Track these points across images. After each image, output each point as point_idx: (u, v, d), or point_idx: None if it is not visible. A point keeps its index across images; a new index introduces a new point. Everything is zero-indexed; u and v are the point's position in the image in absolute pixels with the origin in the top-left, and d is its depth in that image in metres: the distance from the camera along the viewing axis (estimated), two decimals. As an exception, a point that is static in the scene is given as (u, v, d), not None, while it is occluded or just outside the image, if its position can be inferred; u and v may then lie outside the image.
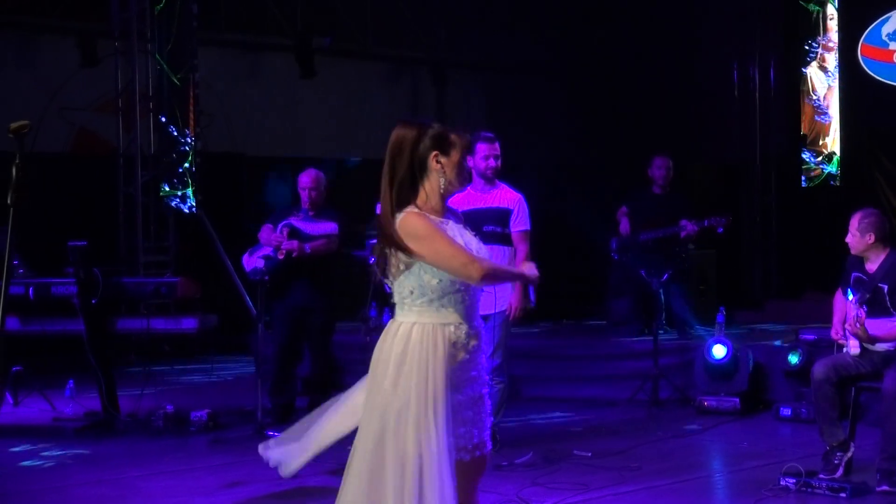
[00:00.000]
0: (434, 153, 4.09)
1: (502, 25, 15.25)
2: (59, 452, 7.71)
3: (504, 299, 7.12)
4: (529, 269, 4.39)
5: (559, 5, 15.07)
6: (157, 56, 12.12)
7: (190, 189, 11.80)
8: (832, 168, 13.89)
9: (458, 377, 4.03)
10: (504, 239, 7.34)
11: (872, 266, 6.71)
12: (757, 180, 13.75)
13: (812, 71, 14.14)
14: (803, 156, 14.05)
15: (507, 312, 7.29)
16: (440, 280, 3.96)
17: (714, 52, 14.19)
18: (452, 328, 4.01)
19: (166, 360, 11.38)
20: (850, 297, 6.69)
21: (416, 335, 3.94)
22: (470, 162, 7.29)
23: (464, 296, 4.06)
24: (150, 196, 12.12)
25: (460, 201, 7.35)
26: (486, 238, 7.07)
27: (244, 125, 13.71)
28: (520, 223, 7.43)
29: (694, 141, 13.98)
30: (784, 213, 13.70)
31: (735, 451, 7.64)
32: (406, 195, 4.10)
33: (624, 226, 10.22)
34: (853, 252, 6.77)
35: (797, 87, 14.18)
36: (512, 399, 9.73)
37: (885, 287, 6.60)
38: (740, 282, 13.00)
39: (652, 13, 14.28)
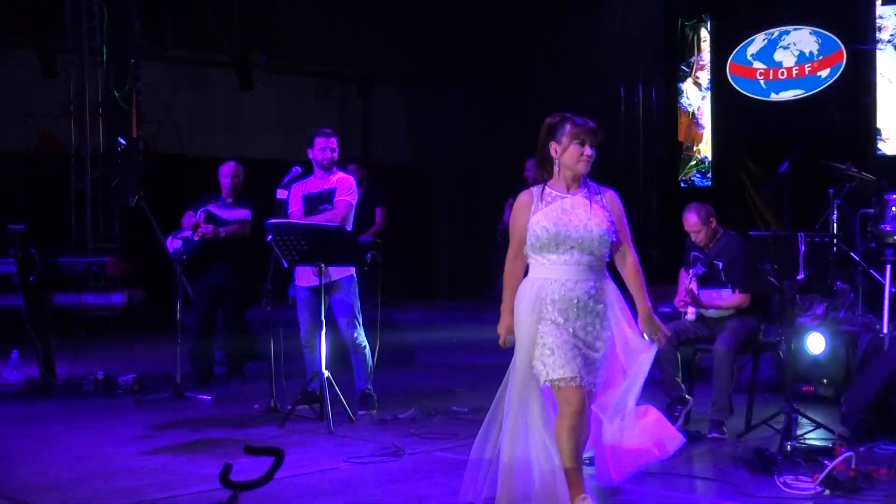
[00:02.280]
0: (551, 142, 4.45)
1: (421, 44, 15.26)
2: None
3: (339, 271, 7.11)
4: (505, 329, 4.65)
5: (473, 27, 15.10)
6: (102, 68, 12.11)
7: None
8: (707, 168, 14.07)
9: None
10: None
11: (706, 246, 6.83)
12: (640, 181, 13.83)
13: (688, 86, 14.32)
14: (682, 162, 14.28)
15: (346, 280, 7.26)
16: None
17: (606, 69, 14.25)
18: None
19: (112, 334, 11.34)
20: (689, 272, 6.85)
21: None
22: (310, 154, 7.38)
23: None
24: (98, 191, 12.05)
25: (304, 186, 7.40)
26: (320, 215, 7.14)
27: (190, 131, 13.72)
28: (340, 195, 7.29)
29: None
30: (663, 211, 13.80)
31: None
32: (542, 175, 4.58)
33: (507, 214, 10.24)
34: (703, 240, 6.85)
35: (675, 100, 14.34)
36: (407, 364, 9.81)
37: (720, 264, 6.71)
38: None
39: (553, 36, 14.35)
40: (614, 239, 4.50)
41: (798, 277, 5.98)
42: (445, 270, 12.93)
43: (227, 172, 8.44)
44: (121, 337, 11.46)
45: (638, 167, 13.83)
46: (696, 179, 14.21)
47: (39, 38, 12.52)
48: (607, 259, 4.60)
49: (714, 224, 6.82)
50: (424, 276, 13.32)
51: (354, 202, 7.45)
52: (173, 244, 8.13)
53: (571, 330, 4.39)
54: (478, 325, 10.35)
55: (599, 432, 4.63)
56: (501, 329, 4.69)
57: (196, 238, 8.06)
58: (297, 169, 7.33)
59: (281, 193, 7.19)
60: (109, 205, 12.05)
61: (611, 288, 4.58)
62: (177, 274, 8.02)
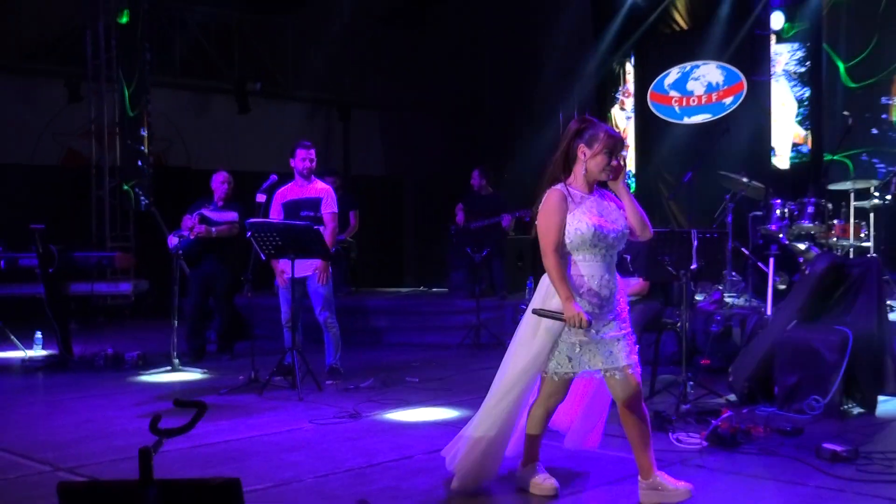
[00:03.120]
0: (579, 142, 4.05)
1: (392, 76, 15.28)
2: (17, 384, 7.59)
3: (311, 265, 7.09)
4: (569, 310, 3.96)
5: (436, 62, 15.08)
6: (118, 94, 12.03)
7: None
8: (629, 183, 14.08)
9: None
10: (317, 220, 7.21)
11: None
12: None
13: (616, 111, 14.35)
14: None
15: (318, 272, 7.20)
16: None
17: (548, 98, 14.23)
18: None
19: (121, 318, 11.26)
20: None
21: None
22: (292, 163, 7.33)
23: None
24: (115, 198, 11.98)
25: (286, 193, 7.37)
26: (303, 220, 7.09)
27: (196, 147, 13.62)
28: (328, 207, 7.33)
29: (532, 163, 13.99)
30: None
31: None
32: (557, 174, 4.14)
33: (459, 217, 10.23)
34: None
35: (605, 123, 14.34)
36: (375, 344, 9.76)
37: (628, 257, 6.65)
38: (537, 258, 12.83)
39: (504, 69, 14.35)
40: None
41: (692, 267, 5.99)
42: (412, 264, 12.91)
43: (219, 181, 8.40)
44: (128, 320, 11.37)
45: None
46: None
47: (66, 69, 12.45)
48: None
49: (623, 224, 6.82)
50: (394, 269, 13.30)
51: (337, 210, 7.50)
52: (172, 242, 8.06)
53: (595, 329, 4.03)
54: (436, 309, 10.36)
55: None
56: (570, 313, 3.97)
57: (191, 237, 8.02)
58: (273, 177, 7.31)
59: (260, 197, 7.16)
60: (124, 209, 11.93)
61: (619, 280, 4.30)
62: (174, 266, 7.93)
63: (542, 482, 4.23)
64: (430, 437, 5.58)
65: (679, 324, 6.35)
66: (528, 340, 4.19)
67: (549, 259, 4.06)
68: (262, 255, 6.82)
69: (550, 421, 4.47)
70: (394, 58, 15.35)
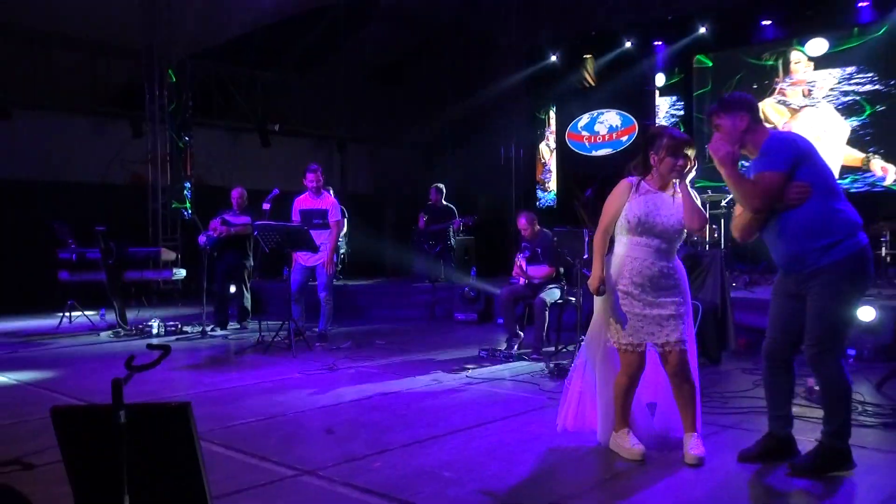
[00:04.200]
0: (650, 150, 3.65)
1: (377, 119, 15.21)
2: (84, 346, 7.45)
3: (323, 256, 7.01)
4: (598, 281, 3.71)
5: (409, 109, 15.03)
6: (168, 132, 11.81)
7: (188, 205, 11.58)
8: (552, 198, 14.10)
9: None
10: (325, 226, 7.11)
11: (531, 240, 6.80)
12: (511, 203, 13.77)
13: (543, 147, 14.35)
14: (538, 193, 14.29)
15: (324, 263, 7.09)
16: None
17: (493, 136, 14.22)
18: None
19: (166, 298, 11.15)
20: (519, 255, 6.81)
21: None
22: (305, 181, 7.20)
23: None
24: (167, 210, 11.81)
25: (302, 202, 7.28)
26: (316, 227, 7.01)
27: (228, 172, 13.40)
28: (333, 216, 7.22)
29: (484, 186, 13.96)
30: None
31: (463, 341, 7.50)
32: (640, 171, 3.70)
33: (421, 223, 10.17)
34: (529, 235, 6.81)
35: (534, 155, 14.35)
36: (357, 317, 9.67)
37: (539, 250, 6.67)
38: (489, 255, 12.64)
39: (462, 115, 14.27)
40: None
41: (584, 257, 5.97)
42: (390, 258, 12.80)
43: (236, 194, 8.29)
44: (171, 299, 11.21)
45: (511, 194, 13.76)
46: (547, 202, 14.21)
47: (131, 112, 12.27)
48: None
49: (536, 225, 6.79)
50: (377, 262, 13.19)
51: (340, 218, 7.39)
52: (202, 240, 7.96)
53: (642, 301, 3.62)
54: (403, 291, 10.30)
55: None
56: (594, 281, 3.74)
57: (216, 236, 7.90)
58: (276, 190, 7.24)
59: (265, 205, 7.09)
60: (173, 218, 11.77)
61: (681, 268, 3.74)
62: (203, 258, 7.82)
63: (632, 447, 3.65)
64: (387, 381, 5.56)
65: (575, 300, 6.32)
66: (595, 315, 3.87)
67: (597, 235, 3.78)
68: (265, 248, 6.73)
69: (651, 394, 3.97)
70: (378, 106, 15.25)
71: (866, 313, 5.68)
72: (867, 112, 10.74)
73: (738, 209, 3.64)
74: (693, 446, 3.59)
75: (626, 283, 3.64)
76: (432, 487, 3.31)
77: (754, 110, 3.56)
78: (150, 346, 2.44)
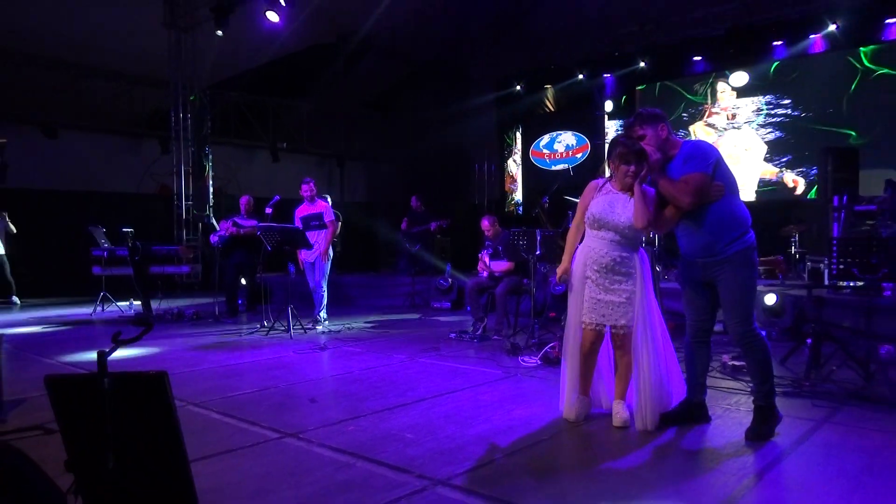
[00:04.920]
0: (609, 158, 3.55)
1: (371, 139, 15.14)
2: (112, 331, 7.29)
3: (318, 251, 6.93)
4: (562, 271, 3.66)
5: (400, 132, 14.98)
6: (191, 149, 11.68)
7: (210, 211, 11.45)
8: (520, 206, 14.05)
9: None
10: (321, 227, 7.03)
11: (494, 238, 6.74)
12: (484, 211, 13.68)
13: (511, 163, 14.31)
14: (506, 201, 14.23)
15: (321, 255, 7.01)
16: None
17: (467, 154, 14.20)
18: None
19: (184, 289, 10.98)
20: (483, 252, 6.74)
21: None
22: (301, 192, 7.09)
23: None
24: (189, 214, 11.65)
25: (301, 211, 7.18)
26: (314, 228, 6.92)
27: (245, 182, 13.29)
28: (327, 217, 7.12)
29: (459, 195, 13.94)
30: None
31: (437, 325, 7.45)
32: (611, 175, 3.54)
33: (404, 225, 10.10)
34: (492, 235, 6.75)
35: (503, 170, 14.31)
36: (349, 305, 9.57)
37: (500, 247, 6.62)
38: (464, 253, 12.64)
39: (440, 139, 14.16)
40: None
41: (537, 252, 5.92)
42: (380, 256, 12.75)
43: (245, 201, 8.21)
44: (189, 290, 11.06)
45: (483, 204, 13.74)
46: (515, 210, 14.17)
47: (160, 132, 12.17)
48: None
49: (497, 226, 6.73)
50: (371, 259, 13.16)
51: (333, 217, 7.27)
52: (213, 239, 7.86)
53: (600, 286, 3.51)
54: (389, 283, 10.22)
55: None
56: (560, 270, 3.71)
57: (227, 235, 7.80)
58: (277, 197, 7.14)
59: (268, 210, 6.99)
60: (195, 222, 11.63)
61: (639, 259, 3.56)
62: (215, 255, 7.72)
63: (569, 407, 3.62)
64: (368, 359, 5.47)
65: (531, 289, 6.27)
66: (570, 301, 3.69)
67: (570, 230, 3.70)
68: (268, 247, 6.64)
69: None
70: (372, 128, 15.23)
71: (769, 298, 5.66)
72: (781, 133, 10.78)
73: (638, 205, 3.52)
74: (620, 411, 3.55)
75: (589, 270, 3.57)
76: (395, 447, 3.24)
77: (669, 122, 3.55)
78: (132, 322, 2.35)
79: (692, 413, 3.58)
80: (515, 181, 14.21)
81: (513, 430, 3.53)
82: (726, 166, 3.43)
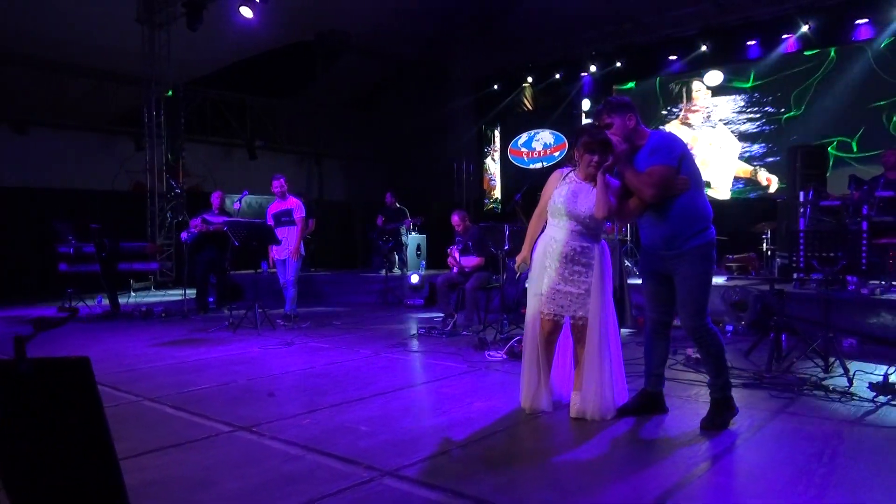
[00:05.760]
0: (575, 147, 3.49)
1: (349, 138, 15.05)
2: (78, 328, 7.15)
3: (288, 249, 6.87)
4: (521, 260, 3.70)
5: (378, 131, 14.93)
6: (164, 146, 11.52)
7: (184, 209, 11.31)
8: (498, 204, 14.03)
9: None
10: (291, 223, 6.97)
11: (463, 234, 6.71)
12: (463, 207, 13.63)
13: (489, 161, 14.29)
14: (485, 199, 14.19)
15: (292, 254, 6.95)
16: None
17: (446, 153, 14.15)
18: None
19: (168, 287, 10.82)
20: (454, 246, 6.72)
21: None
22: (272, 189, 7.03)
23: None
24: (163, 212, 11.49)
25: (273, 208, 7.12)
26: (285, 224, 6.85)
27: (221, 180, 13.10)
28: (298, 213, 7.06)
29: (439, 194, 13.88)
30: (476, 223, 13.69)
31: (407, 322, 7.37)
32: (574, 164, 3.51)
33: (379, 221, 10.04)
34: (462, 230, 6.72)
35: (482, 169, 14.29)
36: (321, 302, 9.49)
37: (470, 242, 6.59)
38: (441, 251, 12.53)
39: (420, 138, 14.21)
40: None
41: (505, 247, 5.89)
42: (358, 253, 12.66)
43: (215, 198, 8.13)
44: (162, 288, 10.91)
45: (464, 201, 13.67)
46: (494, 208, 14.15)
47: (134, 129, 11.96)
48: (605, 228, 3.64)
49: (467, 221, 6.70)
50: (349, 256, 13.06)
51: (305, 214, 7.21)
52: (183, 236, 7.75)
53: (559, 276, 3.47)
54: (362, 279, 10.14)
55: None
56: (519, 259, 3.72)
57: (196, 232, 7.71)
58: (245, 192, 7.06)
59: (236, 205, 6.91)
60: (168, 220, 11.48)
61: (599, 250, 3.52)
62: (185, 252, 7.61)
63: (526, 397, 3.60)
64: (333, 354, 5.42)
65: (500, 284, 6.25)
66: (529, 293, 3.64)
67: (532, 218, 3.63)
68: (235, 242, 6.56)
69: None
70: (350, 128, 15.12)
71: (732, 293, 5.68)
72: (755, 132, 10.85)
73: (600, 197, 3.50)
74: (578, 402, 3.52)
75: (549, 260, 3.51)
76: (348, 439, 3.19)
77: (638, 112, 3.50)
78: (60, 309, 2.29)
79: (650, 404, 3.57)
80: (494, 179, 14.19)
81: (470, 421, 3.49)
82: (692, 160, 3.40)
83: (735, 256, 9.08)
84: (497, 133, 14.07)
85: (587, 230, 3.49)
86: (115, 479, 2.00)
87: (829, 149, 9.50)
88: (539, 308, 3.57)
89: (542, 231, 3.63)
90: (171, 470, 2.85)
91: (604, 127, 3.42)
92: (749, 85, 10.89)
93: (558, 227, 3.52)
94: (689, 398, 3.89)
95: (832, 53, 10.08)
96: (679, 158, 3.30)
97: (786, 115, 10.52)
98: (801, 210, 5.97)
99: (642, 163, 3.38)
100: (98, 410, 2.00)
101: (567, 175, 3.56)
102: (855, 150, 9.72)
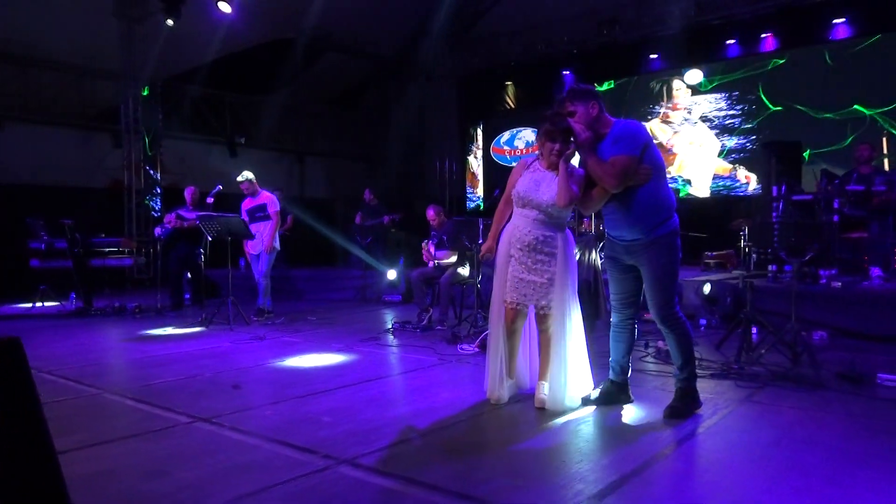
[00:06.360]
0: (538, 140, 3.45)
1: (331, 136, 14.98)
2: (50, 324, 7.05)
3: (262, 243, 6.81)
4: (486, 249, 3.71)
5: (360, 129, 14.87)
6: (142, 143, 11.39)
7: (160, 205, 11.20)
8: (480, 201, 14.00)
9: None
10: (265, 218, 6.93)
11: (439, 228, 6.67)
12: (446, 205, 13.53)
13: (472, 159, 14.27)
14: (468, 196, 14.18)
15: (266, 250, 6.90)
16: None
17: (429, 151, 14.14)
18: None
19: (146, 285, 10.68)
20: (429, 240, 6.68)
21: None
22: (243, 188, 6.95)
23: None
24: (140, 208, 11.36)
25: (246, 204, 7.06)
26: (259, 219, 6.80)
27: (201, 177, 12.91)
28: (271, 208, 7.01)
29: (421, 192, 13.84)
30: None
31: (383, 317, 7.30)
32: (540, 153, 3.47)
33: (357, 219, 9.97)
34: (437, 224, 6.68)
35: (464, 167, 14.27)
36: (299, 299, 9.41)
37: (445, 237, 6.55)
38: (418, 247, 12.48)
39: (402, 136, 14.13)
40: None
41: (479, 242, 5.86)
42: (338, 250, 12.53)
43: (189, 192, 8.03)
44: (139, 285, 10.75)
45: (446, 198, 13.63)
46: (477, 204, 14.11)
47: (112, 126, 11.80)
48: (569, 218, 3.62)
49: (442, 215, 6.67)
50: (329, 252, 12.93)
51: (279, 209, 7.13)
52: (157, 231, 7.66)
53: (523, 264, 3.46)
54: (340, 276, 10.06)
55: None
56: (484, 248, 3.74)
57: (170, 227, 7.61)
58: (218, 186, 6.99)
59: (209, 199, 6.85)
60: (146, 215, 11.35)
61: (562, 239, 3.48)
62: (157, 248, 7.51)
63: (491, 388, 3.57)
64: (304, 348, 5.37)
65: (475, 279, 6.22)
66: (495, 282, 3.61)
67: (498, 206, 3.62)
68: (208, 237, 6.49)
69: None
70: (332, 126, 15.03)
71: (706, 287, 5.70)
72: (735, 130, 10.92)
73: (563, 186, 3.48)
74: (542, 392, 3.50)
75: (513, 249, 3.48)
76: (308, 430, 3.16)
77: (602, 100, 3.46)
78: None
79: (615, 394, 3.56)
80: (477, 177, 14.18)
81: (434, 412, 3.46)
82: (656, 149, 3.37)
83: (714, 254, 9.12)
84: (479, 131, 14.06)
85: (550, 219, 3.47)
86: (49, 468, 1.95)
87: (805, 153, 9.58)
88: (503, 297, 3.54)
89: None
90: (122, 460, 2.80)
91: (567, 115, 3.40)
92: (729, 83, 10.95)
93: (522, 216, 3.50)
94: (656, 388, 3.89)
95: (811, 52, 10.15)
96: (642, 148, 3.27)
97: (765, 113, 10.58)
98: (774, 205, 6.00)
99: (606, 151, 3.36)
100: (31, 395, 1.94)
101: (531, 164, 3.55)
102: (830, 146, 9.80)
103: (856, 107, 9.59)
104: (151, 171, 10.58)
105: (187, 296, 8.08)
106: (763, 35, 10.49)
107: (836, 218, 5.73)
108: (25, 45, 10.76)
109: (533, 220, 3.46)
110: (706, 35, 10.91)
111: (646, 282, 3.34)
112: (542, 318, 3.52)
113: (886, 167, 8.70)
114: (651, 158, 3.30)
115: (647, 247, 3.30)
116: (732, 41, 10.84)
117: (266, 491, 2.42)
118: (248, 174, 7.06)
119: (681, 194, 11.30)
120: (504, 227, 3.64)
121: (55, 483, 1.95)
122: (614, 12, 11.54)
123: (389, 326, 6.30)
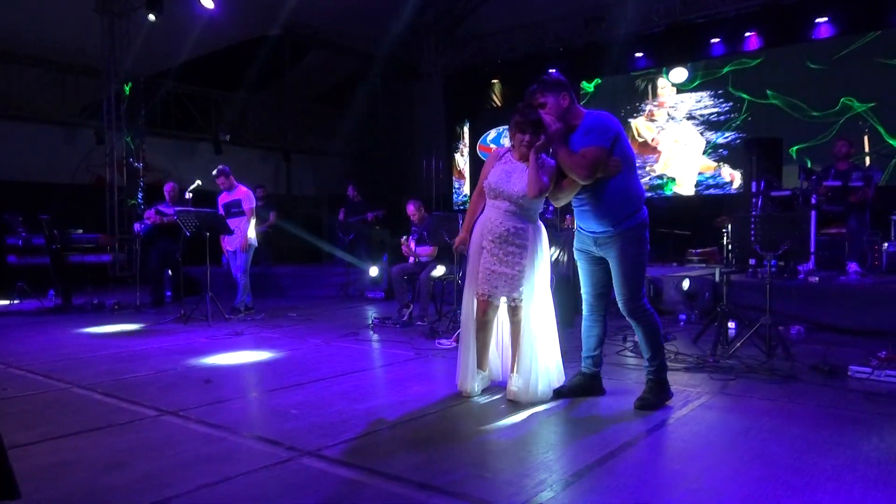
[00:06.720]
0: (509, 128, 3.43)
1: (318, 134, 14.90)
2: (27, 321, 6.94)
3: (238, 239, 6.76)
4: (459, 241, 3.71)
5: (346, 127, 14.79)
6: (124, 140, 11.28)
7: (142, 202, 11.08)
8: (466, 197, 13.98)
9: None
10: (241, 213, 6.88)
11: (419, 223, 6.64)
12: (433, 202, 13.61)
13: (458, 157, 14.26)
14: (454, 192, 14.16)
15: (241, 248, 6.85)
16: None
17: (416, 148, 14.11)
18: None
19: (128, 281, 10.57)
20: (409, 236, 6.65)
21: None
22: (219, 182, 6.89)
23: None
24: (123, 206, 11.26)
25: (222, 199, 7.00)
26: (234, 215, 6.74)
27: (185, 175, 12.78)
28: (246, 204, 6.96)
29: (408, 189, 13.76)
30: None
31: (364, 314, 7.27)
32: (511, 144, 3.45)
33: (341, 215, 9.92)
34: (417, 219, 6.66)
35: (451, 164, 14.25)
36: (281, 296, 9.34)
37: (425, 232, 6.52)
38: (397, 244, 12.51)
39: (389, 134, 14.14)
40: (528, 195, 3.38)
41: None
42: (323, 247, 12.46)
43: (168, 188, 7.93)
44: (121, 283, 10.64)
45: (433, 195, 13.62)
46: (463, 201, 14.10)
47: (95, 123, 11.68)
48: (541, 210, 3.61)
49: (423, 210, 6.64)
50: (315, 250, 12.88)
51: (254, 205, 7.08)
52: (137, 227, 7.59)
53: (495, 256, 3.43)
54: (323, 273, 10.01)
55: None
56: (458, 240, 3.74)
57: (149, 223, 7.54)
58: (197, 181, 6.92)
59: (187, 194, 6.78)
60: (129, 213, 11.24)
61: (534, 231, 3.48)
62: (137, 244, 7.45)
63: (463, 383, 3.55)
64: (282, 343, 5.32)
65: (455, 275, 6.19)
66: (467, 275, 3.59)
67: (472, 196, 3.61)
68: (187, 232, 6.43)
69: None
70: (318, 123, 14.95)
71: (685, 283, 5.70)
72: (719, 126, 10.95)
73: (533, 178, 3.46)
74: (513, 384, 3.48)
75: (485, 240, 3.46)
76: (275, 422, 3.12)
77: (573, 91, 3.45)
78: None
79: (586, 386, 3.55)
80: (464, 175, 14.16)
81: (405, 404, 3.44)
82: (627, 141, 3.36)
83: (699, 251, 9.15)
84: (466, 129, 14.05)
85: (521, 210, 3.44)
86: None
87: (791, 150, 9.62)
88: (475, 289, 3.53)
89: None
90: (83, 452, 2.75)
91: (537, 106, 3.38)
92: (713, 81, 10.99)
93: (494, 208, 3.48)
94: (631, 381, 3.88)
95: (794, 50, 10.20)
96: (613, 139, 3.25)
97: (749, 112, 10.62)
98: (753, 201, 6.01)
99: (577, 143, 3.33)
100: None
101: (503, 155, 3.53)
102: (814, 141, 9.84)
103: (843, 100, 9.65)
104: (135, 164, 10.42)
105: (168, 293, 7.99)
106: (747, 33, 10.54)
107: (813, 213, 5.75)
108: (7, 40, 10.65)
109: (504, 211, 3.44)
110: (691, 33, 10.95)
111: (613, 274, 3.33)
112: (513, 310, 3.50)
113: (867, 164, 8.76)
114: (622, 150, 3.29)
115: (615, 239, 3.29)
116: (717, 39, 10.88)
117: (225, 482, 2.39)
118: (222, 168, 7.00)
119: (666, 192, 11.34)
120: (478, 218, 3.63)
121: (1, 473, 1.91)
122: (600, 10, 11.56)
123: (370, 322, 6.27)
